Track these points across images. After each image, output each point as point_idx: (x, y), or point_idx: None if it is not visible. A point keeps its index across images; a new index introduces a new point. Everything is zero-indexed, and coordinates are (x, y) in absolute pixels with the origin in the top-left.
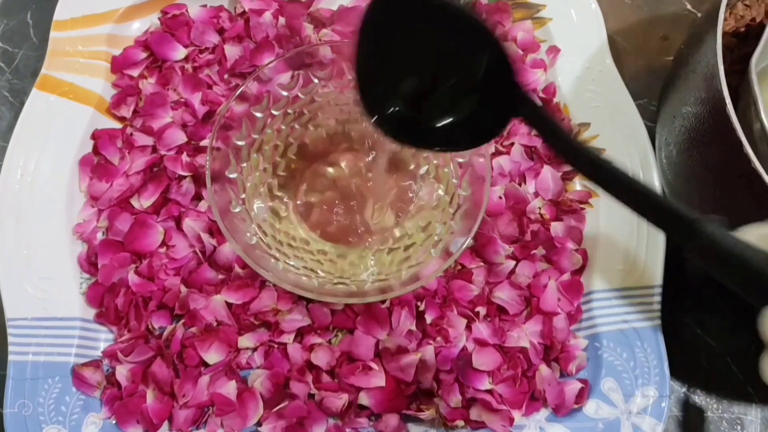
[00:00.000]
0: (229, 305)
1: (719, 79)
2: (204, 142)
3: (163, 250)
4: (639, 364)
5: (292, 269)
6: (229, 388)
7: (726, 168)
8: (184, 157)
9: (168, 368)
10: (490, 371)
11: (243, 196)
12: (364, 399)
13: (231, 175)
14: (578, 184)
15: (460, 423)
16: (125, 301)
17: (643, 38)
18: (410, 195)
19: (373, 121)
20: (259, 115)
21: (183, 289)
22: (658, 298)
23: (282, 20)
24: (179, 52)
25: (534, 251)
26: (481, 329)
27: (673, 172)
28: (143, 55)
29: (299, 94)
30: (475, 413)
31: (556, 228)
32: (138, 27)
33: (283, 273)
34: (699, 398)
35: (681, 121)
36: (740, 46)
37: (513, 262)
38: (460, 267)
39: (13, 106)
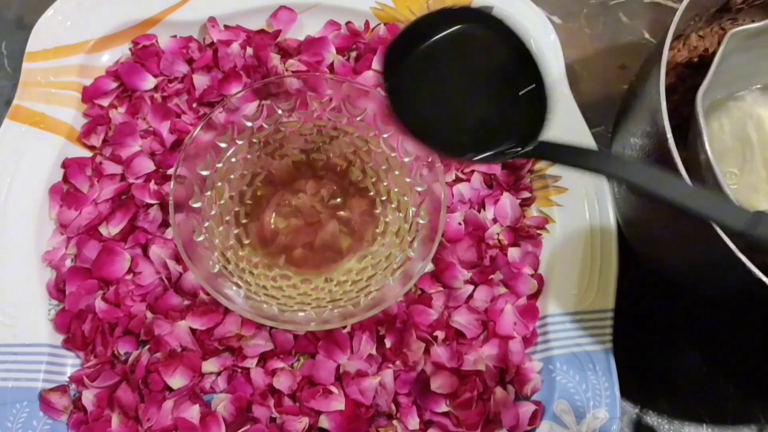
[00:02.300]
0: (193, 331)
1: (661, 115)
2: (172, 171)
3: (129, 276)
4: (591, 386)
5: (253, 297)
6: (193, 413)
7: None
8: (152, 185)
9: (133, 393)
10: (447, 394)
11: (206, 224)
12: (324, 422)
13: (194, 205)
14: (535, 210)
15: None
16: (92, 327)
17: (602, 67)
18: (371, 222)
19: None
20: (223, 145)
21: (149, 315)
22: (610, 322)
23: (249, 51)
24: (149, 82)
25: (492, 276)
26: (440, 353)
27: (624, 202)
28: (113, 85)
29: (264, 124)
30: None
31: (514, 253)
32: (108, 58)
33: (244, 301)
34: (651, 419)
35: (630, 152)
36: (693, 76)
37: (471, 287)
38: (420, 292)
39: None
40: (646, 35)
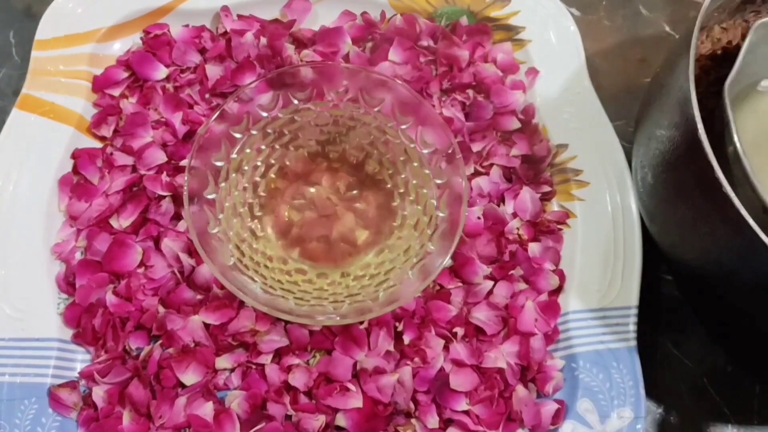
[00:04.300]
0: (206, 326)
1: (691, 104)
2: (184, 162)
3: (141, 270)
4: (615, 385)
5: (269, 290)
6: (206, 410)
7: (698, 192)
8: (164, 177)
9: (145, 389)
10: (467, 392)
11: (221, 216)
12: (341, 420)
13: (209, 196)
14: (556, 204)
15: None
16: (102, 321)
17: (622, 60)
18: (389, 215)
19: None
20: (238, 135)
21: (161, 309)
22: (634, 319)
23: (263, 40)
24: (160, 72)
25: (512, 272)
26: (459, 350)
27: (648, 195)
28: (124, 74)
29: (279, 115)
30: None
31: (534, 249)
32: (120, 47)
33: (259, 295)
34: (675, 419)
35: (656, 144)
36: (717, 68)
37: (491, 283)
38: (438, 287)
39: None
40: (667, 28)
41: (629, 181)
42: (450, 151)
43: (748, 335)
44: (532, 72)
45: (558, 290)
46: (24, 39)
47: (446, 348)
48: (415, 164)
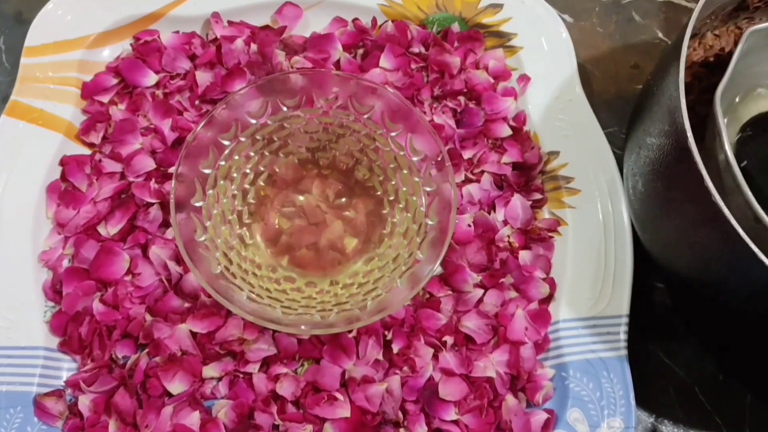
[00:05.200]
0: (194, 334)
1: (681, 113)
2: (173, 169)
3: (128, 278)
4: (605, 394)
5: (256, 299)
6: (193, 419)
7: (688, 201)
8: (153, 184)
9: (131, 398)
10: (456, 401)
11: (208, 224)
12: (329, 430)
13: (196, 204)
14: (547, 212)
15: None
16: (89, 329)
17: (614, 66)
18: (378, 223)
19: None
20: (226, 142)
21: (148, 317)
22: (624, 328)
23: (254, 47)
24: (150, 78)
25: (502, 280)
26: (448, 359)
27: (639, 203)
28: (114, 81)
29: (268, 122)
30: None
31: (525, 257)
32: (109, 53)
33: (247, 304)
34: (666, 428)
35: (646, 152)
36: (709, 75)
37: (481, 291)
38: (428, 295)
39: None
40: (660, 34)
41: (620, 189)
42: (440, 159)
43: (739, 344)
44: (524, 79)
45: (548, 299)
46: (14, 45)
47: (435, 357)
48: (405, 172)
